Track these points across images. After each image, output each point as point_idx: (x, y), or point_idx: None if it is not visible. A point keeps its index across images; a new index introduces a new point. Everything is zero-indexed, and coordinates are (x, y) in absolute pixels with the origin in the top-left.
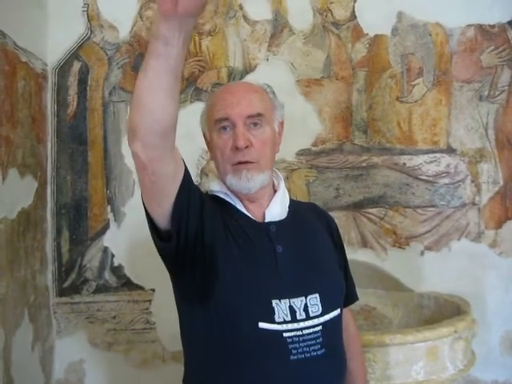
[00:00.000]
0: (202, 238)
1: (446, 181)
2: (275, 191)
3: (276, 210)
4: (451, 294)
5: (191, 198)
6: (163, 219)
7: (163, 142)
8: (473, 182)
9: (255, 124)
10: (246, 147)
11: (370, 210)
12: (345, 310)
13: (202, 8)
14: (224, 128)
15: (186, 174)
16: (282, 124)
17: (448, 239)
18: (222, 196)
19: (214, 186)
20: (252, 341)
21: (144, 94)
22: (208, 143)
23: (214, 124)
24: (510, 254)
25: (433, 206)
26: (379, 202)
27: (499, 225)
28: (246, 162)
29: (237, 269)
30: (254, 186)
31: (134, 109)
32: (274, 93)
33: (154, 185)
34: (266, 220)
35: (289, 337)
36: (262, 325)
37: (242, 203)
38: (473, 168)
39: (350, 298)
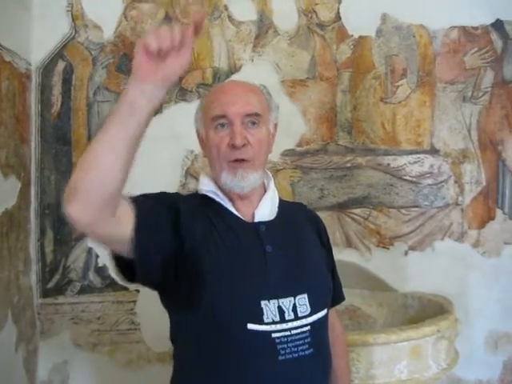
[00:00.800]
0: (183, 251)
1: (430, 181)
2: (265, 191)
3: (266, 210)
4: (435, 293)
5: (155, 229)
6: (129, 255)
7: (105, 207)
8: (456, 182)
9: (253, 123)
10: (243, 145)
11: (355, 211)
12: (331, 310)
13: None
14: (221, 125)
15: (140, 215)
16: (275, 126)
17: (432, 239)
18: (211, 195)
19: (204, 185)
20: (240, 342)
21: (96, 155)
22: (202, 141)
23: (211, 121)
24: (493, 254)
25: (416, 207)
26: (363, 203)
27: (482, 225)
28: (242, 160)
29: (225, 271)
30: (248, 185)
31: (81, 168)
32: (269, 94)
33: (100, 241)
34: (256, 220)
35: (277, 337)
36: (250, 326)
37: (232, 202)
38: (456, 168)
39: (336, 298)
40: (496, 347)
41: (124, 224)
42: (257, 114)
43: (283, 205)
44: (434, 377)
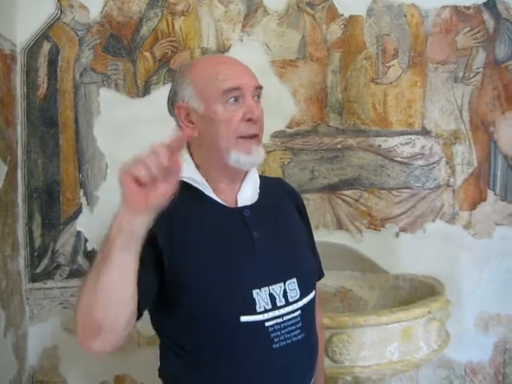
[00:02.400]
0: (166, 264)
1: (421, 162)
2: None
3: (248, 193)
4: (426, 275)
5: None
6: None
7: (126, 330)
8: (447, 163)
9: (258, 96)
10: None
11: (345, 192)
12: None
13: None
14: (234, 98)
15: (143, 305)
16: None
17: (423, 221)
18: (190, 182)
19: (185, 172)
20: (233, 335)
21: (109, 291)
22: (189, 119)
23: (222, 95)
24: (484, 235)
25: (408, 188)
26: (354, 184)
27: (473, 206)
28: (254, 136)
29: (212, 265)
30: (259, 161)
31: (95, 307)
32: None
33: None
34: (239, 204)
35: (270, 325)
36: (243, 318)
37: (214, 188)
38: (447, 150)
39: (318, 274)
40: (487, 328)
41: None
42: (261, 87)
43: (262, 183)
44: (424, 358)
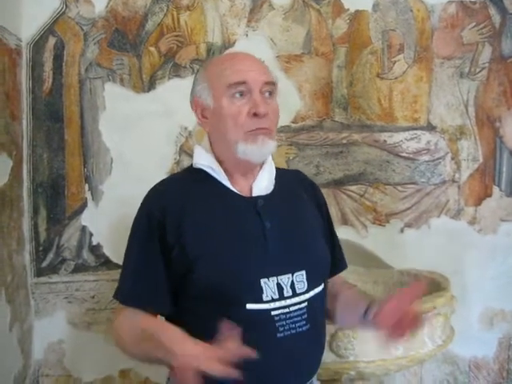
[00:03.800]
0: (174, 253)
1: (426, 158)
2: (262, 162)
3: (263, 184)
4: (431, 270)
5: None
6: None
7: None
8: (453, 159)
9: (269, 92)
10: (265, 114)
11: (350, 188)
12: (337, 278)
13: None
14: (239, 93)
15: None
16: None
17: (428, 216)
18: (207, 170)
19: (200, 159)
20: (239, 321)
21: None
22: (203, 114)
23: (227, 89)
24: (489, 231)
25: (413, 183)
26: (359, 180)
27: (479, 202)
28: (265, 129)
29: (222, 251)
30: (268, 153)
31: (128, 347)
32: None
33: None
34: (254, 194)
35: (276, 315)
36: (249, 306)
37: (230, 177)
38: (453, 145)
39: (339, 265)
40: (491, 324)
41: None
42: (273, 83)
43: (280, 174)
44: (429, 353)
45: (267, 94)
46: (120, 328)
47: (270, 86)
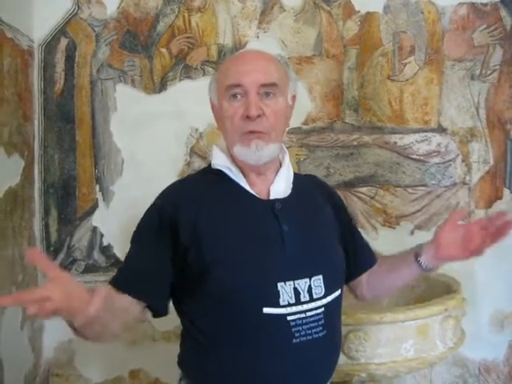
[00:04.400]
0: (187, 255)
1: (437, 160)
2: (280, 166)
3: (281, 186)
4: (441, 273)
5: (160, 281)
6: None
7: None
8: (463, 161)
9: (268, 94)
10: (258, 116)
11: (361, 189)
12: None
13: None
14: (235, 95)
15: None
16: (294, 98)
17: (438, 218)
18: (224, 170)
19: (218, 160)
20: (255, 325)
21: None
22: (216, 112)
23: (225, 90)
24: None
25: (423, 186)
26: (370, 181)
27: (489, 204)
28: (258, 132)
29: (239, 253)
30: (263, 157)
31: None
32: (287, 64)
33: None
34: (271, 197)
35: (292, 320)
36: (266, 310)
37: (247, 178)
38: (464, 147)
39: (368, 261)
40: (502, 327)
41: (132, 310)
42: (273, 84)
43: (296, 179)
44: (440, 356)
45: (265, 96)
46: None
47: (270, 88)
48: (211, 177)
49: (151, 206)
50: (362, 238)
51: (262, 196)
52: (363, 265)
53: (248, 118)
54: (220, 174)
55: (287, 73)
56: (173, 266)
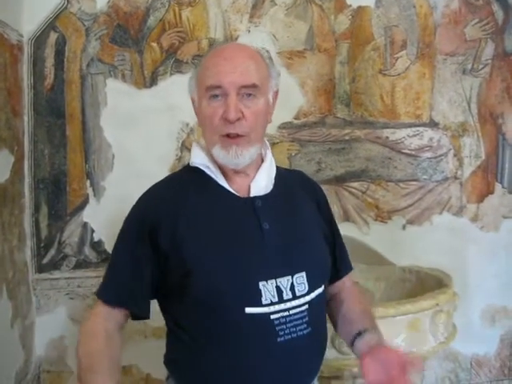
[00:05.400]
0: (167, 259)
1: (429, 155)
2: (262, 161)
3: (262, 183)
4: (433, 267)
5: (141, 288)
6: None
7: None
8: (455, 155)
9: (249, 95)
10: (238, 119)
11: (352, 184)
12: (346, 280)
13: None
14: (215, 96)
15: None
16: (276, 93)
17: (430, 213)
18: (203, 169)
19: (196, 158)
20: (238, 326)
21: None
22: (195, 108)
23: (205, 90)
24: (491, 228)
25: (415, 180)
26: (361, 176)
27: (481, 199)
28: (237, 136)
29: (219, 255)
30: (243, 162)
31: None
32: (270, 59)
33: None
34: (252, 194)
35: (276, 318)
36: (248, 310)
37: (226, 176)
38: (455, 142)
39: (343, 268)
40: (493, 321)
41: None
42: (254, 86)
43: (280, 174)
44: (431, 350)
45: (246, 96)
46: (86, 335)
47: (250, 89)
48: (191, 176)
49: (130, 214)
50: (341, 239)
51: (243, 193)
52: (338, 270)
53: (227, 120)
54: (199, 171)
55: (269, 70)
56: (155, 272)
